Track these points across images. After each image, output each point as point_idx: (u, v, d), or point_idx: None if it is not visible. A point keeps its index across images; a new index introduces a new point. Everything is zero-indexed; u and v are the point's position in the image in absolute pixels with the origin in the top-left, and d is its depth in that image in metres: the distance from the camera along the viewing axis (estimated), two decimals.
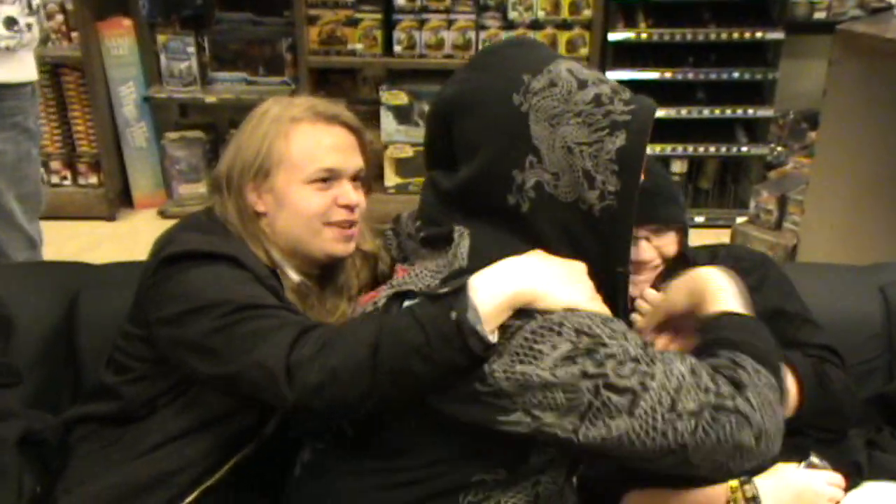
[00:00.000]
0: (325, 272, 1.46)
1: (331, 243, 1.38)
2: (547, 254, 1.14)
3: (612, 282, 1.17)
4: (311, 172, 1.36)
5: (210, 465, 1.34)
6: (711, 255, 1.55)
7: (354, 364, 1.08)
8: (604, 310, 1.12)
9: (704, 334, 1.18)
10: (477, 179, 1.16)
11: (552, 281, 1.09)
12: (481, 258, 1.13)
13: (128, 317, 1.41)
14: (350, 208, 1.39)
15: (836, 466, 1.38)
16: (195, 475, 1.32)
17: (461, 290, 1.07)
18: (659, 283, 1.47)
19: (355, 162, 1.42)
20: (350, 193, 1.39)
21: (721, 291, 1.20)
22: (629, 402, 1.04)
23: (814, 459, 1.38)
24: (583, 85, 1.14)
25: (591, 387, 1.05)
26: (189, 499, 1.32)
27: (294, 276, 1.37)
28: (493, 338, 1.06)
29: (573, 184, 1.13)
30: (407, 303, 1.17)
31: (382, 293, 1.24)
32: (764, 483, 1.34)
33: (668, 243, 1.46)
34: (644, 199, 1.32)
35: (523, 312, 1.08)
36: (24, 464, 1.35)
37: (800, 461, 1.39)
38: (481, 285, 1.07)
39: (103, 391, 1.40)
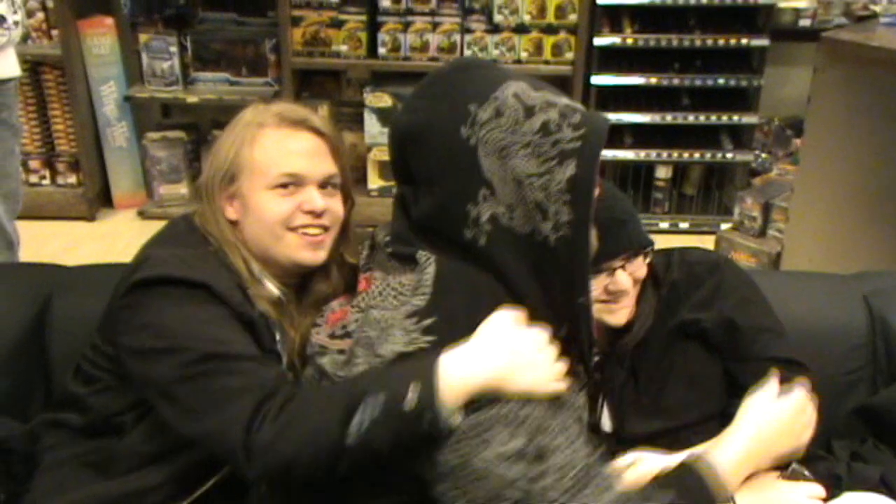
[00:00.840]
0: (304, 282, 1.43)
1: (295, 250, 1.35)
2: (511, 316, 1.12)
3: (573, 312, 1.15)
4: (274, 178, 1.34)
5: (183, 487, 1.32)
6: (666, 262, 1.53)
7: (316, 451, 1.09)
8: (566, 385, 1.12)
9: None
10: (436, 214, 1.16)
11: (518, 365, 1.09)
12: (444, 292, 1.13)
13: (98, 327, 1.39)
14: (315, 214, 1.36)
15: (817, 478, 1.36)
16: (167, 496, 1.30)
17: (432, 376, 1.06)
18: (657, 318, 1.46)
19: (323, 168, 1.38)
20: (315, 199, 1.36)
21: None
22: None
23: (795, 467, 1.36)
24: (529, 112, 1.12)
25: (520, 494, 1.04)
26: None
27: (273, 290, 1.36)
28: (458, 419, 1.07)
29: (526, 215, 1.11)
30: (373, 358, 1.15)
31: (350, 317, 1.22)
32: (744, 499, 1.31)
33: (640, 267, 1.45)
34: (613, 230, 1.34)
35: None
36: None
37: (782, 471, 1.37)
38: (451, 373, 1.07)
39: (71, 400, 1.38)
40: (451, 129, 1.13)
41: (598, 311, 1.40)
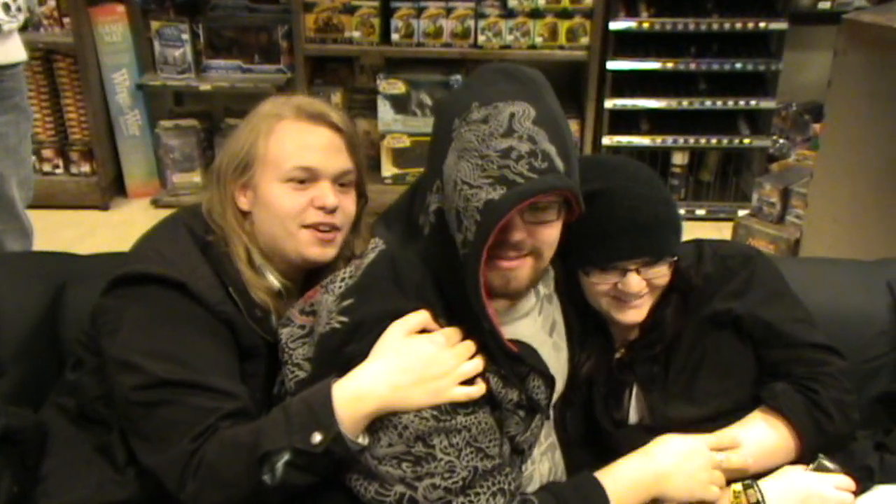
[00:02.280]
0: (308, 276, 1.42)
1: (305, 246, 1.34)
2: (404, 327, 1.14)
3: (481, 327, 1.16)
4: (288, 171, 1.33)
5: None
6: (697, 254, 1.48)
7: (239, 499, 1.17)
8: (474, 388, 1.16)
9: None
10: (408, 196, 1.21)
11: (412, 380, 1.13)
12: (371, 276, 1.19)
13: (90, 314, 1.39)
14: (327, 210, 1.35)
15: (846, 471, 1.33)
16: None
17: (327, 410, 1.12)
18: (656, 311, 1.42)
19: (338, 163, 1.37)
20: (328, 195, 1.34)
21: None
22: None
23: (824, 462, 1.33)
24: (508, 134, 1.09)
25: (398, 494, 1.13)
26: None
27: (273, 282, 1.36)
28: (363, 440, 1.15)
29: (451, 220, 1.13)
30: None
31: (318, 297, 1.26)
32: (769, 486, 1.30)
33: (660, 275, 1.39)
34: (637, 234, 1.31)
35: None
36: (3, 462, 1.31)
37: (808, 464, 1.34)
38: (346, 401, 1.12)
39: (68, 385, 1.40)
40: (451, 117, 1.14)
41: (606, 305, 1.39)
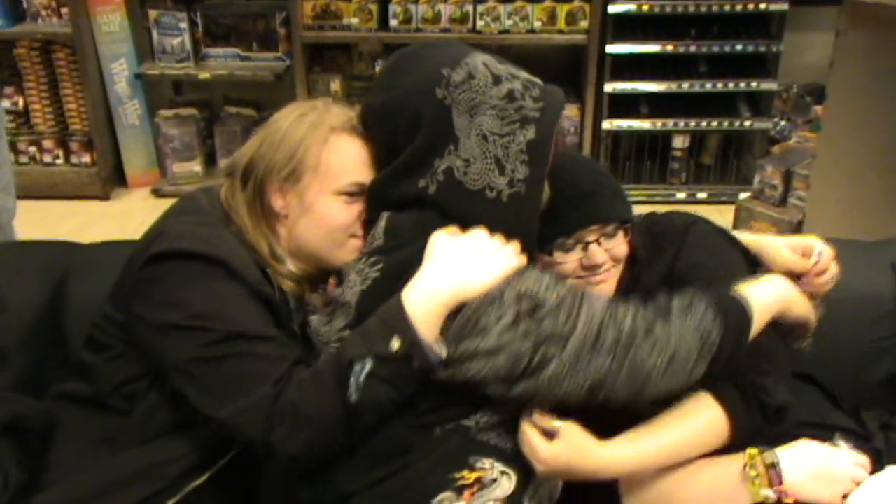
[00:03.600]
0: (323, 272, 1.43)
1: (349, 254, 1.36)
2: (450, 231, 1.22)
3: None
4: (344, 185, 1.35)
5: (204, 458, 1.31)
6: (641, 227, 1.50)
7: (327, 431, 1.18)
8: (521, 260, 1.24)
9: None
10: (399, 168, 1.27)
11: (471, 268, 1.19)
12: (394, 234, 1.27)
13: (109, 297, 1.38)
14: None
15: (863, 450, 1.33)
16: (188, 468, 1.30)
17: (402, 316, 1.16)
18: (621, 289, 1.43)
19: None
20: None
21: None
22: (560, 348, 1.16)
23: (839, 442, 1.33)
24: (497, 80, 1.26)
25: (530, 346, 1.16)
26: (176, 498, 1.29)
27: (294, 270, 1.37)
28: (443, 351, 1.18)
29: (483, 170, 1.24)
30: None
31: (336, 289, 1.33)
32: (784, 455, 1.28)
33: (618, 245, 1.42)
34: (585, 200, 1.38)
35: None
36: (10, 451, 1.31)
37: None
38: (417, 307, 1.17)
39: (81, 370, 1.39)
40: (427, 90, 1.25)
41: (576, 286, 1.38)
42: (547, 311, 1.17)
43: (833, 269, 1.49)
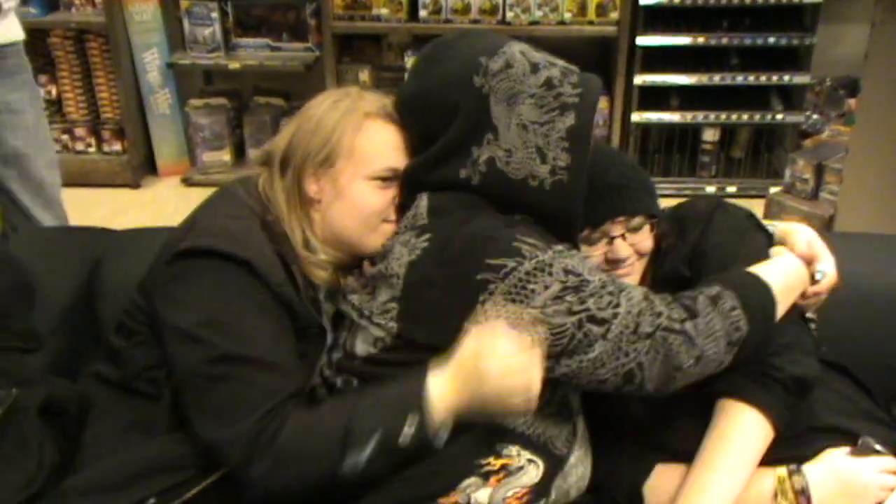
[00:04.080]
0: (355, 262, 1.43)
1: (382, 238, 1.36)
2: (490, 330, 1.16)
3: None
4: (377, 170, 1.35)
5: None
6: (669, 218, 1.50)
7: (309, 485, 1.19)
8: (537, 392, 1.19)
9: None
10: (437, 158, 1.29)
11: (499, 385, 1.16)
12: (440, 213, 1.26)
13: (139, 284, 1.40)
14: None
15: (889, 449, 1.31)
16: (203, 466, 1.29)
17: (425, 407, 1.17)
18: (647, 282, 1.42)
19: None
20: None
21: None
22: (604, 331, 1.18)
23: (866, 440, 1.31)
24: (535, 68, 1.27)
25: (575, 322, 1.18)
26: (195, 490, 1.28)
27: (326, 259, 1.37)
28: (444, 436, 1.20)
29: (525, 160, 1.25)
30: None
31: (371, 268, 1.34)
32: (811, 470, 1.28)
33: (643, 239, 1.42)
34: (611, 193, 1.38)
35: (516, 253, 1.18)
36: (46, 432, 1.33)
37: (852, 446, 1.32)
38: (440, 402, 1.18)
39: (111, 354, 1.40)
40: (465, 78, 1.26)
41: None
42: (591, 292, 1.19)
43: (822, 296, 1.42)
